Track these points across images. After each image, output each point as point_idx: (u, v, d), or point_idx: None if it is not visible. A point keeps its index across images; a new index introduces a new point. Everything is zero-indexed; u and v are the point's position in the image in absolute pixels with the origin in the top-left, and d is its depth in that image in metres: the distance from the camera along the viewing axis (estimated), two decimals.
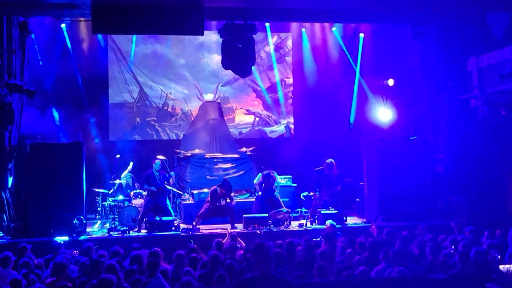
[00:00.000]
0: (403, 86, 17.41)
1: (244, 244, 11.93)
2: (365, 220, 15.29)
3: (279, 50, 20.08)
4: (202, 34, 12.05)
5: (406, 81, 17.36)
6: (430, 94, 16.74)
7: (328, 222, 12.48)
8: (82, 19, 15.52)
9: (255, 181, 15.83)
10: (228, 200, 14.81)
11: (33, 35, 15.19)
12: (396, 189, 15.12)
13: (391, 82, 17.40)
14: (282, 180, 16.42)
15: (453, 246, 9.99)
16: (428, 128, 16.67)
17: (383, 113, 17.73)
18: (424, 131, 16.58)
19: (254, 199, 16.05)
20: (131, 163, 16.22)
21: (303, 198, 16.57)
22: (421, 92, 17.00)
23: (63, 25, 16.64)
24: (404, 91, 17.41)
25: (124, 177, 15.97)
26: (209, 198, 14.72)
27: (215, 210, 14.72)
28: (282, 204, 15.29)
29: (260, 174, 15.69)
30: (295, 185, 16.94)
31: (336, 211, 14.81)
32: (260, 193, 15.58)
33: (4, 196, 13.46)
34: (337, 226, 12.83)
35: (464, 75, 15.99)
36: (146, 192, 14.85)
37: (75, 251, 11.40)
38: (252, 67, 13.33)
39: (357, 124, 18.41)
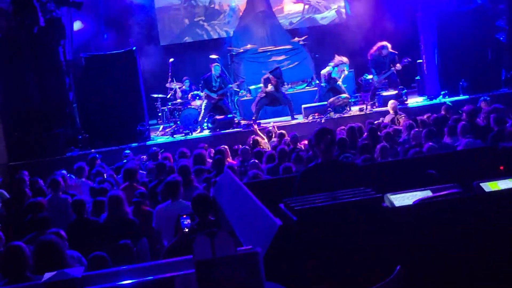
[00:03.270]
0: None
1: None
2: (425, 97, 15.02)
3: None
4: None
5: None
6: None
7: (390, 102, 12.35)
8: None
9: (323, 72, 15.44)
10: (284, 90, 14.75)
11: None
12: (457, 63, 14.67)
13: None
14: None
15: None
16: None
17: None
18: None
19: (312, 88, 15.90)
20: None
21: (361, 82, 16.33)
22: None
23: None
24: None
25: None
26: (262, 86, 14.66)
27: (271, 99, 14.65)
28: (345, 91, 15.05)
29: (330, 68, 15.26)
30: (352, 70, 16.61)
31: (396, 91, 14.56)
32: (324, 84, 15.24)
33: (67, 109, 13.78)
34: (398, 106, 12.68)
35: None
36: (205, 93, 14.86)
37: (143, 156, 11.74)
38: None
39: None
